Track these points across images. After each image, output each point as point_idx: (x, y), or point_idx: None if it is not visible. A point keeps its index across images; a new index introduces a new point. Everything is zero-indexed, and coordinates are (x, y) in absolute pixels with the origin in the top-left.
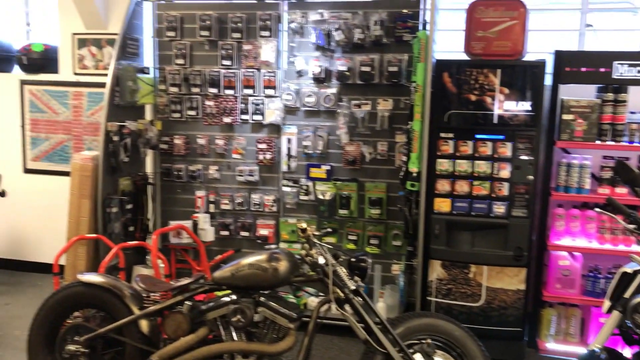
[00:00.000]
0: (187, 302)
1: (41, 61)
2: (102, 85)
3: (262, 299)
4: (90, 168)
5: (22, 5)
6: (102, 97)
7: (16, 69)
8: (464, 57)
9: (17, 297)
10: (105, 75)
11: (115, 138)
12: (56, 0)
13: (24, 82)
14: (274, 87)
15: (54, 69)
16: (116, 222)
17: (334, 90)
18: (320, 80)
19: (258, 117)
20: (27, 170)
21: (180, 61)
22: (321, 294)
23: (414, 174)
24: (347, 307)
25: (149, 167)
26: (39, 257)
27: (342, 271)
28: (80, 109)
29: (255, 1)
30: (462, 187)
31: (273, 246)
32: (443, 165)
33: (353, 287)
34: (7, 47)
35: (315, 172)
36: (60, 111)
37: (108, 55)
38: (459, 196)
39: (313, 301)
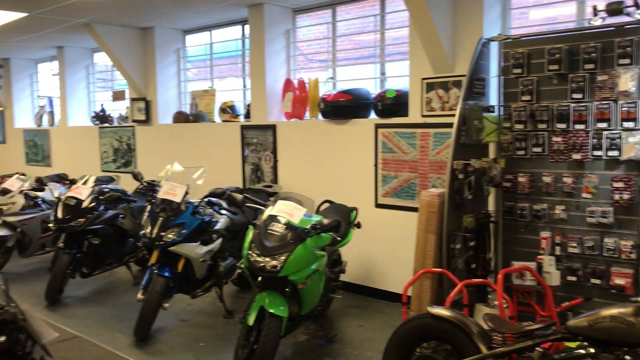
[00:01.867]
0: (537, 349)
1: (393, 106)
2: (448, 125)
3: (627, 357)
4: (436, 204)
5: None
6: (447, 136)
7: (372, 114)
8: None
9: (368, 321)
10: (451, 115)
11: (460, 176)
12: (408, 49)
13: (378, 126)
14: (634, 119)
15: (404, 113)
16: (459, 258)
17: None
18: None
19: (614, 153)
20: (378, 205)
21: (527, 97)
22: None
23: None
24: None
25: (491, 205)
26: (385, 286)
27: None
28: (427, 149)
29: (612, 28)
30: None
31: None
32: None
33: None
34: (365, 95)
35: None
36: (409, 151)
37: (454, 96)
38: None
39: None
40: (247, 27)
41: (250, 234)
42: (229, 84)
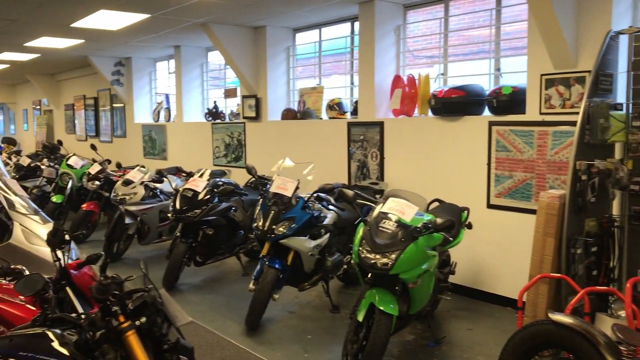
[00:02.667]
0: None
1: (509, 103)
2: (569, 123)
3: None
4: (556, 207)
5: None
6: (567, 135)
7: (486, 111)
8: None
9: (478, 324)
10: (573, 113)
11: (583, 177)
12: (522, 44)
13: (492, 123)
14: None
15: (520, 110)
16: (580, 263)
17: None
18: None
19: None
20: (491, 206)
21: None
22: None
23: None
24: None
25: (616, 209)
26: (496, 289)
27: None
28: (545, 148)
29: None
30: None
31: None
32: None
33: None
34: (479, 92)
35: None
36: (525, 150)
37: (576, 93)
38: None
39: None
40: (356, 24)
41: (360, 230)
42: (335, 81)
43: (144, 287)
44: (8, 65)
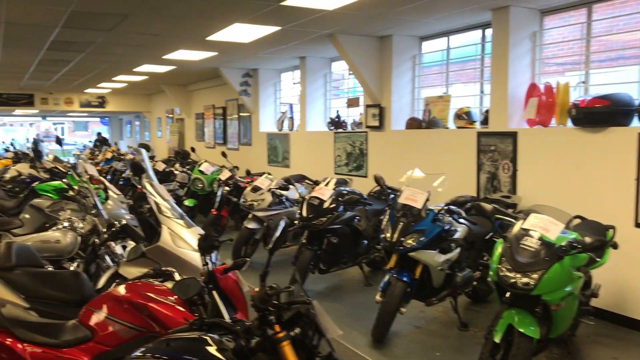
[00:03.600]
0: None
1: None
2: None
3: None
4: None
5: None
6: None
7: (634, 122)
8: None
9: (625, 353)
10: None
11: None
12: None
13: None
14: None
15: None
16: None
17: None
18: None
19: None
20: (639, 225)
21: None
22: None
23: None
24: None
25: None
26: None
27: None
28: None
29: None
30: None
31: None
32: None
33: None
34: (627, 101)
35: None
36: None
37: None
38: None
39: None
40: (488, 30)
41: (499, 246)
42: (461, 90)
43: (304, 298)
44: (147, 77)
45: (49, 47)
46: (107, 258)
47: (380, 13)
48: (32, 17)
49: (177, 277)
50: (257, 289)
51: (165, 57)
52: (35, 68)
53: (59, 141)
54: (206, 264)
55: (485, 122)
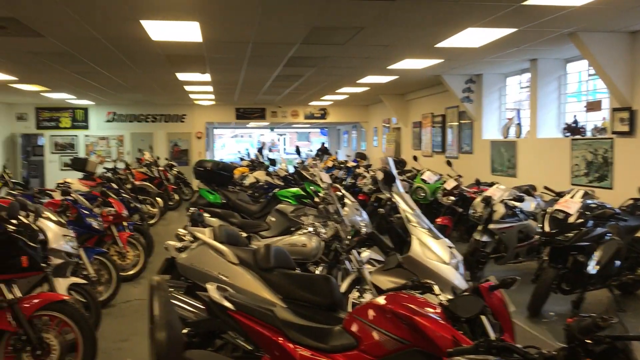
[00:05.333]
0: None
1: None
2: None
3: None
4: None
5: None
6: None
7: None
8: None
9: None
10: None
11: None
12: None
13: None
14: None
15: None
16: None
17: None
18: None
19: None
20: None
21: None
22: None
23: None
24: None
25: None
26: None
27: None
28: None
29: None
30: None
31: None
32: None
33: None
34: None
35: None
36: None
37: None
38: None
39: None
40: None
41: None
42: None
43: (632, 334)
44: (368, 88)
45: (286, 63)
46: (347, 264)
47: (634, 6)
48: (276, 35)
49: (436, 290)
50: (570, 317)
51: (389, 67)
52: (271, 84)
53: (298, 151)
54: (470, 279)
55: None
